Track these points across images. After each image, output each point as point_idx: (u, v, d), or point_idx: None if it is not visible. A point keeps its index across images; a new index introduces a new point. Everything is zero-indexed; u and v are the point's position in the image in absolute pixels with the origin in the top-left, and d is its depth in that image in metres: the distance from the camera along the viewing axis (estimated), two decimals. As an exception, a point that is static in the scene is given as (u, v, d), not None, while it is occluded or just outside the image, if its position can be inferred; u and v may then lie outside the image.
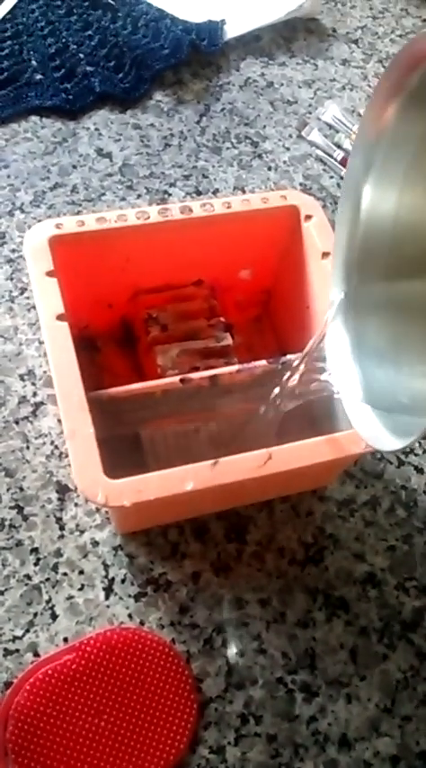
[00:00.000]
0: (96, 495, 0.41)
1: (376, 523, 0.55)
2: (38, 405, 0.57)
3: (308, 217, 0.54)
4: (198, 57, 0.80)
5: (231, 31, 0.82)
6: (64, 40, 0.78)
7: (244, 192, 0.71)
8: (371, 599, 0.52)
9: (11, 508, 0.52)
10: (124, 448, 0.54)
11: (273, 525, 0.54)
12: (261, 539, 0.53)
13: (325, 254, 0.52)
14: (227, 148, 0.74)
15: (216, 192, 0.71)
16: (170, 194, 0.70)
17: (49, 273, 0.48)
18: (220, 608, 0.51)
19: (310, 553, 0.53)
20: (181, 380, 0.51)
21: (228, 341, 0.57)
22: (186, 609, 0.50)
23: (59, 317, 0.46)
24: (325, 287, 0.52)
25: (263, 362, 0.52)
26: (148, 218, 0.52)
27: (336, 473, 0.56)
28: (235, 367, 0.52)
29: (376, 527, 0.55)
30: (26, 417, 0.56)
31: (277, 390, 0.50)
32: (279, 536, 0.54)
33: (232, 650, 0.49)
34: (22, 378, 0.57)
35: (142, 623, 0.50)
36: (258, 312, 0.63)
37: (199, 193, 0.70)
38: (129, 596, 0.50)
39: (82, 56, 0.77)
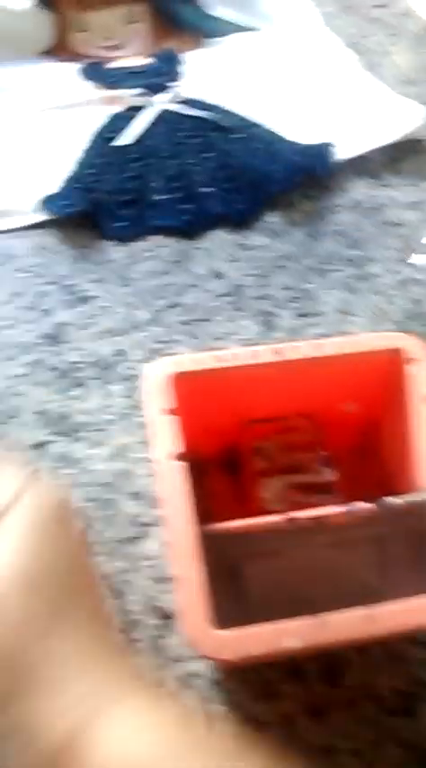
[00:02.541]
0: (203, 648, 0.42)
1: None
2: (145, 525, 0.59)
3: (412, 360, 0.55)
4: (308, 178, 0.84)
5: (343, 153, 0.86)
6: (185, 162, 0.83)
7: (348, 315, 0.73)
8: None
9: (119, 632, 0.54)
10: (224, 580, 0.55)
11: (368, 670, 0.54)
12: (354, 683, 0.53)
13: (428, 400, 0.53)
14: (334, 271, 0.76)
15: (321, 314, 0.73)
16: (277, 316, 0.72)
17: (167, 411, 0.51)
18: (311, 754, 0.50)
19: (405, 703, 0.52)
20: (288, 520, 0.52)
21: (331, 476, 0.58)
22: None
23: (175, 457, 0.49)
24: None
25: (368, 505, 0.53)
26: (261, 358, 0.54)
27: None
28: (341, 508, 0.53)
29: None
30: (133, 538, 0.58)
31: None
32: (374, 682, 0.53)
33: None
34: (131, 497, 0.60)
35: (234, 762, 0.50)
36: (362, 443, 0.64)
37: (305, 315, 0.73)
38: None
39: (201, 178, 0.82)
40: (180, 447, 0.49)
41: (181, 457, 0.49)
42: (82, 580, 0.31)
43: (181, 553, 0.45)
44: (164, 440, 0.50)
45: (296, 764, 0.32)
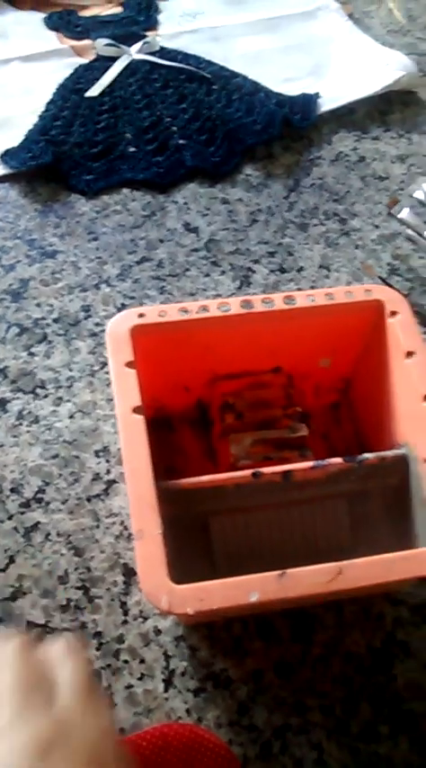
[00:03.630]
0: (160, 601, 0.40)
1: (450, 633, 0.53)
2: (110, 483, 0.57)
3: (393, 313, 0.53)
4: (290, 130, 0.81)
5: (326, 105, 0.83)
6: (158, 113, 0.80)
7: (328, 270, 0.70)
8: (441, 717, 0.50)
9: (77, 588, 0.53)
10: (191, 536, 0.54)
11: (341, 627, 0.52)
12: (327, 640, 0.52)
13: (409, 354, 0.51)
14: (314, 225, 0.74)
15: (300, 269, 0.70)
16: (254, 271, 0.70)
17: (129, 364, 0.49)
18: (280, 711, 0.49)
19: (378, 660, 0.51)
20: (253, 475, 0.50)
21: (304, 432, 0.56)
22: (245, 709, 0.49)
23: (136, 410, 0.47)
24: (407, 387, 0.51)
25: (339, 460, 0.51)
26: (229, 309, 0.52)
27: (412, 582, 0.54)
28: (310, 463, 0.51)
29: (450, 637, 0.52)
30: (98, 495, 0.57)
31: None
32: (347, 639, 0.52)
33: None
34: (97, 454, 0.58)
35: (200, 720, 0.49)
36: (337, 398, 0.62)
37: (283, 271, 0.70)
38: (189, 690, 0.50)
39: (175, 129, 0.79)
40: (139, 400, 0.47)
41: (141, 410, 0.47)
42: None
43: (139, 507, 0.44)
44: (124, 393, 0.48)
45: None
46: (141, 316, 0.51)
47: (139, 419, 0.47)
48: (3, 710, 0.33)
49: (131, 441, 0.46)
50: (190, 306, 0.52)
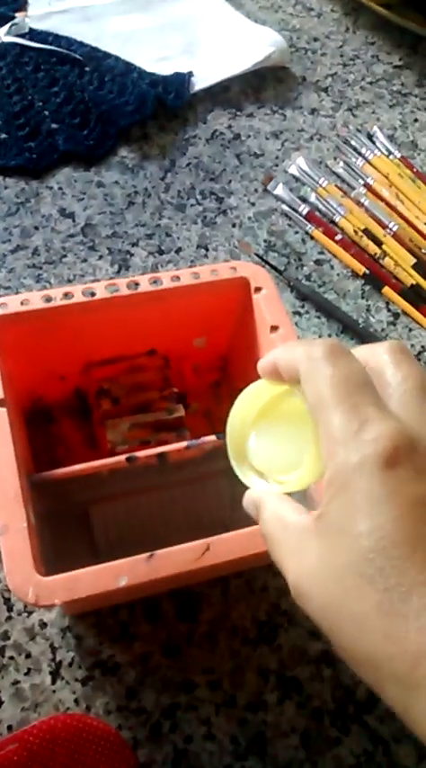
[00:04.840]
0: (27, 594, 0.40)
1: (332, 598, 0.54)
2: (-10, 479, 0.56)
3: (258, 289, 0.53)
4: (165, 110, 0.80)
5: (199, 83, 0.82)
6: (29, 98, 0.78)
7: (207, 250, 0.71)
8: (325, 679, 0.51)
9: (-42, 589, 0.52)
10: (73, 526, 0.53)
11: (226, 602, 0.53)
12: (213, 617, 0.52)
13: (274, 328, 0.52)
14: (192, 205, 0.74)
15: (179, 250, 0.70)
16: (132, 254, 0.69)
17: (-12, 357, 0.48)
18: (168, 692, 0.50)
19: (263, 631, 0.52)
20: (128, 459, 0.50)
21: (180, 413, 0.56)
22: (134, 693, 0.49)
23: (-4, 404, 0.46)
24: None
25: (213, 438, 0.51)
26: (95, 294, 0.51)
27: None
28: (184, 444, 0.51)
29: (331, 602, 0.54)
30: (-23, 492, 0.55)
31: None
32: (233, 614, 0.53)
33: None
34: (-26, 451, 0.57)
35: (89, 708, 0.49)
36: (217, 377, 0.62)
37: (161, 252, 0.70)
38: (76, 680, 0.50)
39: (47, 113, 0.77)
40: (2, 393, 0.46)
41: (4, 403, 0.46)
42: None
43: (3, 501, 0.43)
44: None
45: None
46: (2, 306, 0.50)
47: (2, 412, 0.46)
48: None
49: (-7, 435, 0.45)
50: (53, 293, 0.51)
